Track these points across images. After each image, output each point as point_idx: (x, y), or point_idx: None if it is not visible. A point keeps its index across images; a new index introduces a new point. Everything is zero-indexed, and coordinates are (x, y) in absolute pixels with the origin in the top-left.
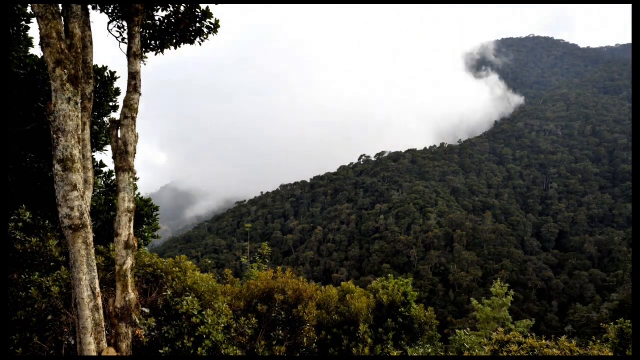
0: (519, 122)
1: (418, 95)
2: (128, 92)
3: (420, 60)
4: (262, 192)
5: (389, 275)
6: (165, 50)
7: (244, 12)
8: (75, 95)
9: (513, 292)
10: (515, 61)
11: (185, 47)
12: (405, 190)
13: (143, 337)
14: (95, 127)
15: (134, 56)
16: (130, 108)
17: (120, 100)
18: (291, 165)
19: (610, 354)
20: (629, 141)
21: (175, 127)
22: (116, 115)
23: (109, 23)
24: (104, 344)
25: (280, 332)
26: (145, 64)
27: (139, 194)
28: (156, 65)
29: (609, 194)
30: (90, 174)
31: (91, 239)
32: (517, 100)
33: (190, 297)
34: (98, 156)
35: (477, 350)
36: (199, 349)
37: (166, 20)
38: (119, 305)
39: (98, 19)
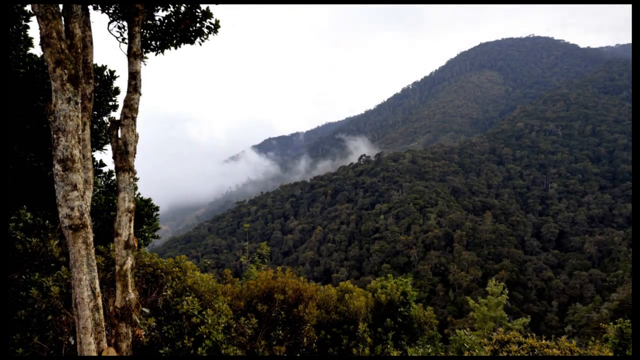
0: (519, 121)
1: None
2: (128, 91)
3: None
4: (261, 192)
5: (389, 275)
6: (165, 50)
7: None
8: (76, 95)
9: (509, 291)
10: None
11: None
12: (405, 190)
13: (143, 337)
14: (95, 126)
15: (134, 56)
16: (131, 108)
17: (119, 99)
18: None
19: (610, 354)
20: (629, 141)
21: None
22: (115, 115)
23: (109, 23)
24: (104, 344)
25: (280, 331)
26: (145, 64)
27: (139, 193)
28: None
29: (609, 194)
30: (90, 173)
31: (91, 239)
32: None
33: (190, 297)
34: (98, 156)
35: (477, 350)
36: (199, 348)
37: (166, 20)
38: (119, 305)
39: (98, 19)
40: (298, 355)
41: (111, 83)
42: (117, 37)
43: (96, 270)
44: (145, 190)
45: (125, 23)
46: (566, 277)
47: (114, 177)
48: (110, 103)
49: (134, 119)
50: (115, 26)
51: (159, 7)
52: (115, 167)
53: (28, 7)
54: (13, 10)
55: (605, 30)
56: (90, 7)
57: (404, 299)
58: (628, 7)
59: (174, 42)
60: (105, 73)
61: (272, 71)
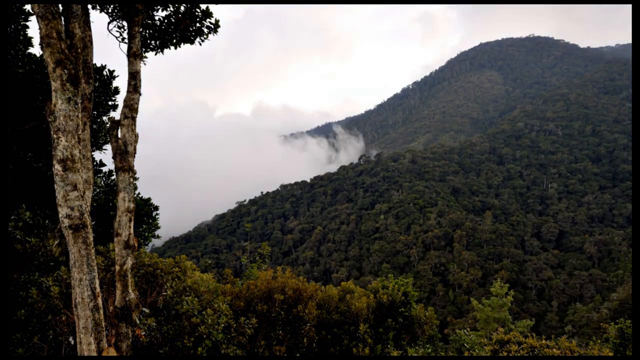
0: (519, 121)
1: None
2: (128, 91)
3: None
4: (261, 192)
5: (389, 275)
6: (165, 50)
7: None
8: (76, 95)
9: (513, 292)
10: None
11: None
12: (405, 190)
13: (143, 337)
14: (95, 126)
15: (134, 56)
16: (131, 108)
17: (119, 99)
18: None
19: (610, 354)
20: (629, 141)
21: None
22: (115, 114)
23: (109, 23)
24: (104, 344)
25: (280, 331)
26: (145, 64)
27: (139, 193)
28: None
29: (609, 194)
30: (90, 173)
31: (91, 238)
32: None
33: (190, 297)
34: (98, 155)
35: (477, 350)
36: (199, 348)
37: (166, 20)
38: (119, 305)
39: (98, 19)
40: (298, 355)
41: (111, 83)
42: (117, 37)
43: (96, 270)
44: (144, 189)
45: (125, 23)
46: (566, 277)
47: (114, 177)
48: (110, 103)
49: (133, 119)
50: (115, 26)
51: (158, 7)
52: (115, 167)
53: (27, 7)
54: (12, 10)
55: (605, 30)
56: (89, 6)
57: (405, 299)
58: (628, 7)
59: (174, 41)
60: (105, 73)
61: (270, 72)
